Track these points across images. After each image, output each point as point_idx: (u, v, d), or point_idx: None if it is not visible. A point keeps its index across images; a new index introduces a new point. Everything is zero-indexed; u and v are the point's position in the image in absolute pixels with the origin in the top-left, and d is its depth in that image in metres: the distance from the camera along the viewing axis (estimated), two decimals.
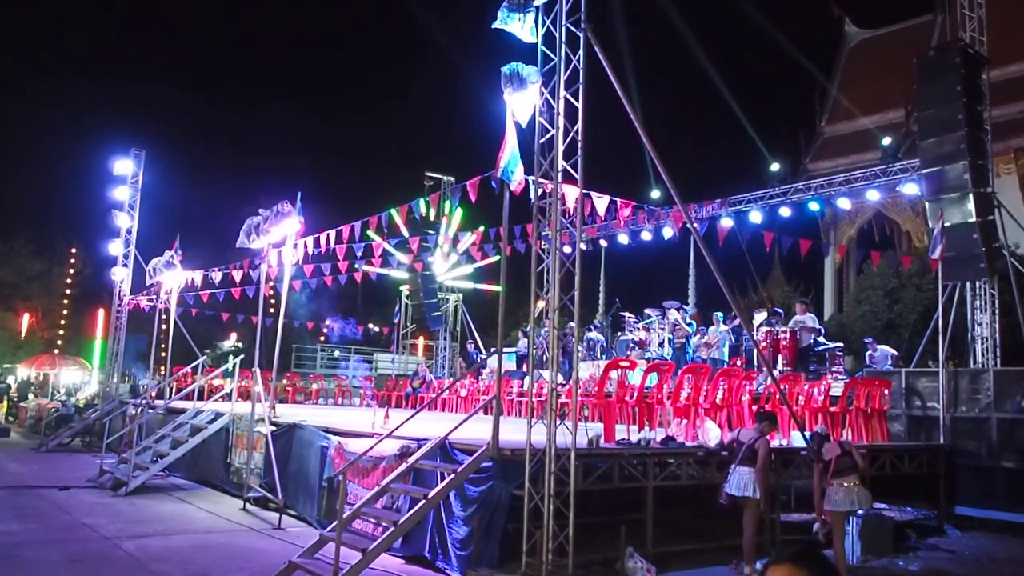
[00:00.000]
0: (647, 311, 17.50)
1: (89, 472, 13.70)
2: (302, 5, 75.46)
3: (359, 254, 19.28)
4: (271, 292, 18.82)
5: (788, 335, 14.63)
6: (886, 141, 16.43)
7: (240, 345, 35.08)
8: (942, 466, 11.09)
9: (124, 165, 21.82)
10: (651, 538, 8.03)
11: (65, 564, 7.76)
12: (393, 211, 16.74)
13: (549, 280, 7.78)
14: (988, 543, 10.11)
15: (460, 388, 16.26)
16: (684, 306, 18.25)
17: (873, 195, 16.20)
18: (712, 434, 9.27)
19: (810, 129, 29.98)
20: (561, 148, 7.75)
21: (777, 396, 10.19)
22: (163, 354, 22.57)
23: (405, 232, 21.28)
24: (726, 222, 17.15)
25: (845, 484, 7.74)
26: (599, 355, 16.58)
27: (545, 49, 7.93)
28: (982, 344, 12.49)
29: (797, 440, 9.66)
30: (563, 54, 7.80)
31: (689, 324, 16.14)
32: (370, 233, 18.78)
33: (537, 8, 7.88)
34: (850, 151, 26.54)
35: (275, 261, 13.79)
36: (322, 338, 30.92)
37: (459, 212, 22.87)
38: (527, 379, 9.96)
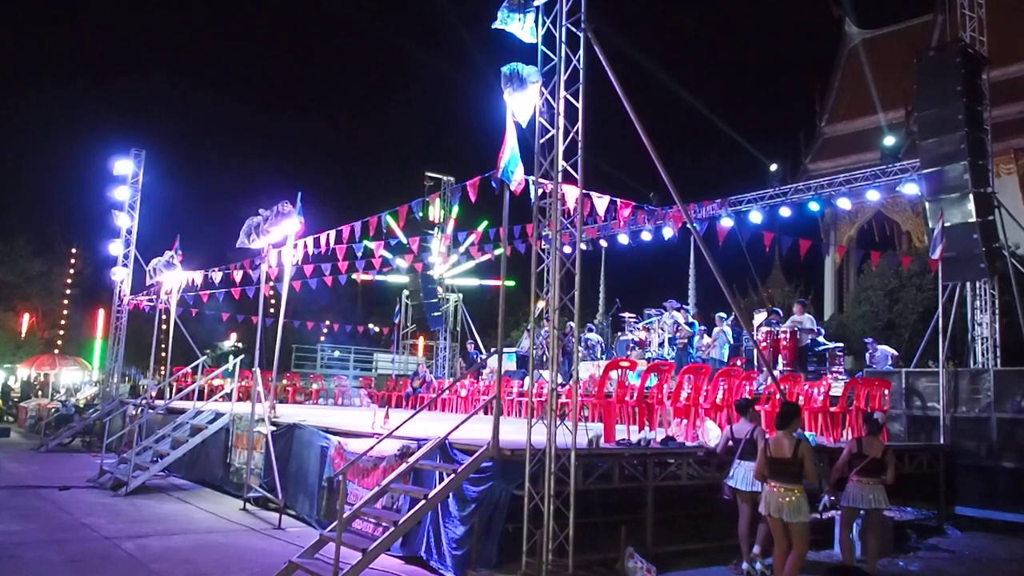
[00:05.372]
0: (647, 311, 17.49)
1: (89, 472, 13.70)
2: (302, 5, 75.52)
3: (359, 255, 19.27)
4: (271, 292, 18.81)
5: (788, 335, 14.62)
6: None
7: (240, 345, 35.12)
8: (942, 466, 11.09)
9: (124, 165, 21.83)
10: (651, 538, 8.03)
11: (65, 564, 7.76)
12: (390, 218, 16.73)
13: (549, 280, 7.78)
14: (988, 543, 10.11)
15: (460, 388, 16.26)
16: (685, 306, 18.22)
17: (873, 195, 16.18)
18: (712, 434, 9.27)
19: (810, 129, 30.06)
20: (561, 148, 7.74)
21: (777, 396, 10.20)
22: (163, 354, 22.57)
23: (403, 238, 21.28)
24: (726, 222, 17.14)
25: (867, 481, 7.85)
26: (599, 355, 16.58)
27: (545, 49, 7.93)
28: (982, 344, 12.50)
29: None
30: (563, 54, 7.79)
31: (691, 324, 16.12)
32: (388, 219, 18.56)
33: (537, 8, 7.87)
34: (850, 151, 26.57)
35: (275, 261, 13.80)
36: (322, 338, 30.93)
37: (483, 222, 22.98)
38: (527, 379, 9.97)
